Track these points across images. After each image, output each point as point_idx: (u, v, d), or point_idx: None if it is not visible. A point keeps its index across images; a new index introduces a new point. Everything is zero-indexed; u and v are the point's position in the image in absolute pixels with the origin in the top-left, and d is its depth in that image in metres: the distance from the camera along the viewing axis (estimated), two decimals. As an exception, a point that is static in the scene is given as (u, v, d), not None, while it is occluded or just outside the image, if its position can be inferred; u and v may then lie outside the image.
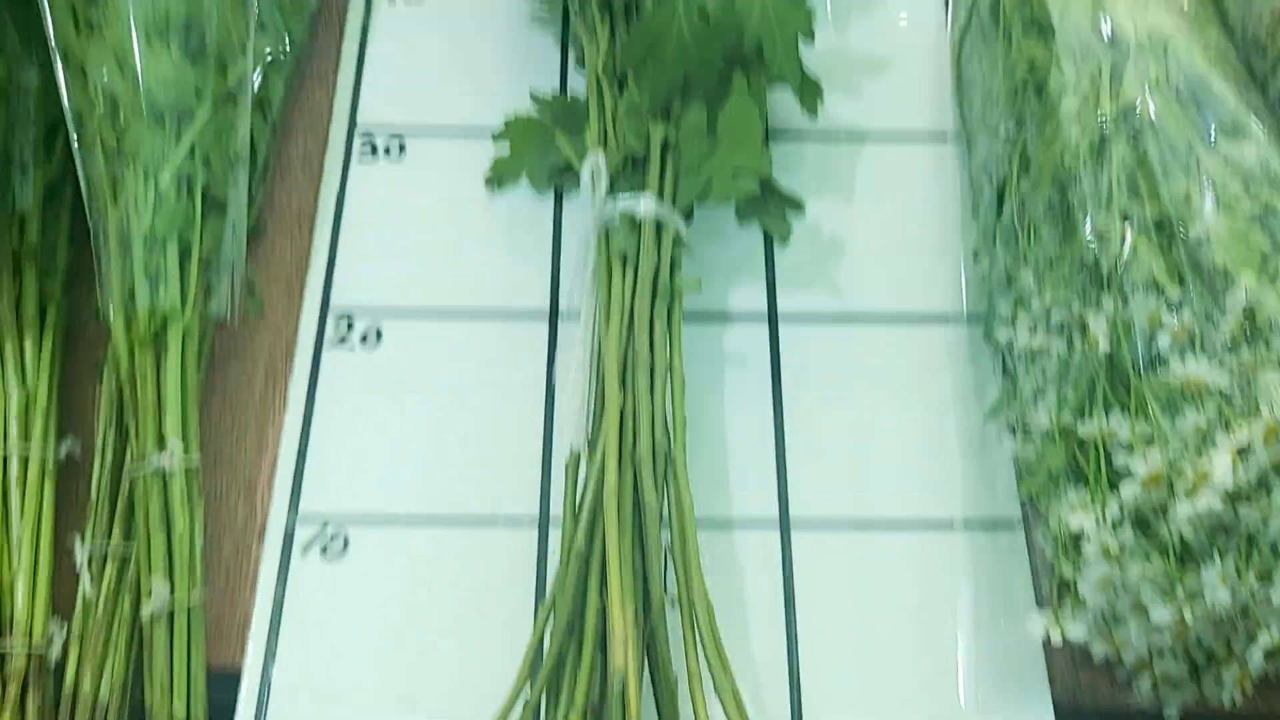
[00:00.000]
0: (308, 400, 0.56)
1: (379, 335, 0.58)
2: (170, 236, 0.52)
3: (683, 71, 0.55)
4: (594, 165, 0.56)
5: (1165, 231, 0.48)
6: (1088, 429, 0.45)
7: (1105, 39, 0.55)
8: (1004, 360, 0.54)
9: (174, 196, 0.53)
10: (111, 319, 0.51)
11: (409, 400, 0.56)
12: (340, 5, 0.70)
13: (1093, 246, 0.49)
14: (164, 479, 0.49)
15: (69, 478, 0.53)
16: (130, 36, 0.53)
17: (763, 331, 0.58)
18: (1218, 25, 0.59)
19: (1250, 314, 0.43)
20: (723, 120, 0.56)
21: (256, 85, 0.61)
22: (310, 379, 0.56)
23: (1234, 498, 0.41)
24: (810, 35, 0.57)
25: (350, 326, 0.58)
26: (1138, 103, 0.51)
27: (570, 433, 0.49)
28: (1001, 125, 0.58)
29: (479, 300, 0.59)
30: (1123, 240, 0.48)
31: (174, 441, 0.49)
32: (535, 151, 0.62)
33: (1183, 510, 0.41)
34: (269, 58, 0.63)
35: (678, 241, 0.55)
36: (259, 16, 0.62)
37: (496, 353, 0.57)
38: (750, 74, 0.57)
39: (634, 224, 0.54)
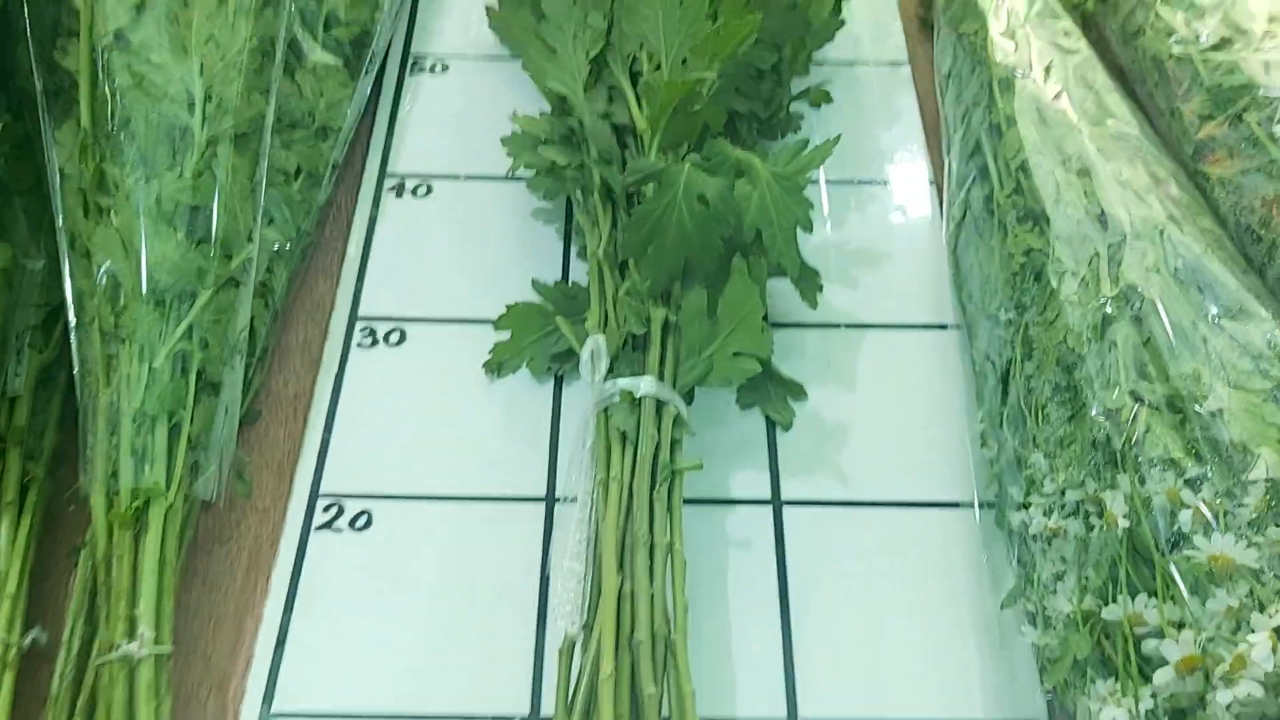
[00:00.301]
0: (290, 587, 0.53)
1: (369, 519, 0.56)
2: (160, 416, 0.51)
3: (683, 256, 0.56)
4: (594, 346, 0.55)
5: (1177, 409, 0.47)
6: (1113, 613, 0.43)
7: (1100, 226, 0.56)
8: (1018, 546, 0.52)
9: (167, 376, 0.52)
10: (92, 496, 0.49)
11: (397, 586, 0.54)
12: (349, 201, 0.71)
13: (1104, 425, 0.48)
14: (131, 668, 0.46)
15: (32, 670, 0.50)
16: (138, 221, 0.54)
17: (767, 516, 0.56)
18: (1209, 214, 0.60)
19: (1274, 489, 0.42)
20: (723, 304, 0.56)
21: (261, 273, 0.62)
22: (295, 564, 0.54)
23: (1277, 683, 0.38)
24: (808, 227, 0.58)
25: (340, 511, 0.56)
26: (1139, 285, 0.51)
27: (565, 618, 0.46)
28: (1001, 311, 0.58)
29: (474, 486, 0.58)
30: (1134, 418, 0.47)
31: (145, 628, 0.46)
32: (536, 338, 0.62)
33: (1222, 698, 0.38)
34: (275, 247, 0.64)
35: (678, 422, 0.54)
36: (268, 209, 0.63)
37: (490, 537, 0.55)
38: (750, 259, 0.57)
39: (634, 403, 0.53)
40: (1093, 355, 0.50)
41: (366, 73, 0.74)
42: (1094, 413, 0.48)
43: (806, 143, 0.62)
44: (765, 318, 0.57)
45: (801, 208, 0.58)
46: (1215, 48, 0.65)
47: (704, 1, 0.61)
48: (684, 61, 0.61)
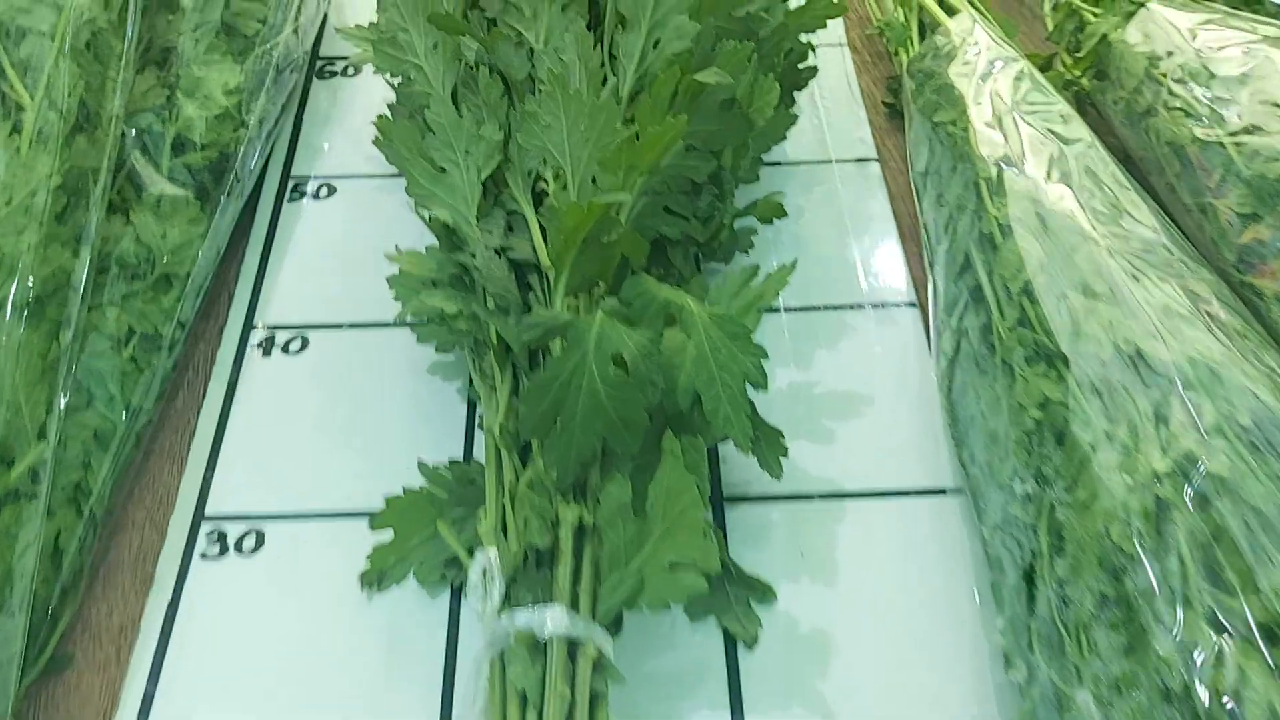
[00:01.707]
0: None
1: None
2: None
3: (597, 435, 0.43)
4: (485, 564, 0.42)
5: (1276, 639, 0.34)
6: None
7: (1134, 369, 0.43)
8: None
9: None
10: None
11: None
12: (206, 363, 0.58)
13: (1176, 668, 0.34)
14: None
15: None
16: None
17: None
18: (1268, 342, 0.47)
19: None
20: (654, 496, 0.42)
21: (72, 472, 0.48)
22: None
23: None
24: (762, 383, 0.45)
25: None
26: (1199, 455, 0.39)
27: None
28: (1016, 481, 0.45)
29: (341, 747, 0.44)
30: (1218, 658, 0.34)
31: None
32: (425, 538, 0.49)
33: None
34: (95, 435, 0.50)
35: (600, 666, 0.40)
36: (85, 387, 0.50)
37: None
38: (684, 438, 0.44)
39: (537, 647, 0.39)
40: (1148, 557, 0.37)
41: (230, 197, 0.62)
42: (1159, 647, 0.35)
43: (756, 269, 0.50)
44: (713, 501, 0.44)
45: (752, 357, 0.45)
46: (1249, 130, 0.53)
47: (616, 105, 0.48)
48: (594, 180, 0.49)
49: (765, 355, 0.45)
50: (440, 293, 0.51)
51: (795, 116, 0.59)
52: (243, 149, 0.63)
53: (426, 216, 0.53)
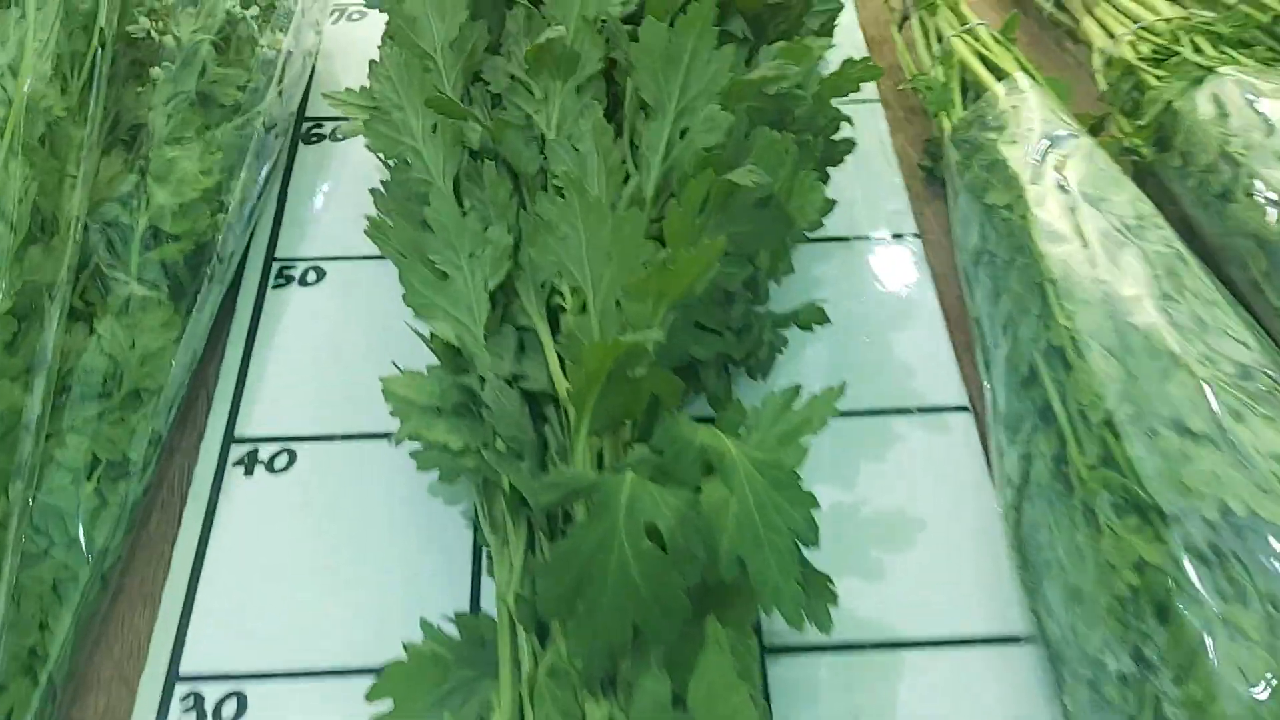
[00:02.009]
0: None
1: None
2: None
3: (629, 621, 0.37)
4: (501, 773, 0.36)
5: None
6: None
7: (1249, 537, 0.37)
8: None
9: None
10: None
11: None
12: (182, 481, 0.52)
13: None
14: None
15: None
16: None
17: None
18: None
19: None
20: (695, 696, 0.36)
21: (27, 638, 0.42)
22: None
23: None
24: (813, 539, 0.39)
25: None
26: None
27: None
28: (1109, 656, 0.39)
29: None
30: None
31: None
32: (431, 701, 0.43)
33: None
34: (53, 584, 0.45)
35: None
36: (42, 531, 0.45)
37: None
38: (730, 611, 0.38)
39: None
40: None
41: (208, 290, 0.56)
42: None
43: (798, 390, 0.44)
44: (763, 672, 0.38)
45: (802, 509, 0.39)
46: (1351, 228, 0.47)
47: (642, 218, 0.42)
48: (618, 304, 0.43)
49: (816, 504, 0.40)
50: (443, 423, 0.45)
51: (834, 202, 0.53)
52: (221, 235, 0.57)
53: (427, 334, 0.47)
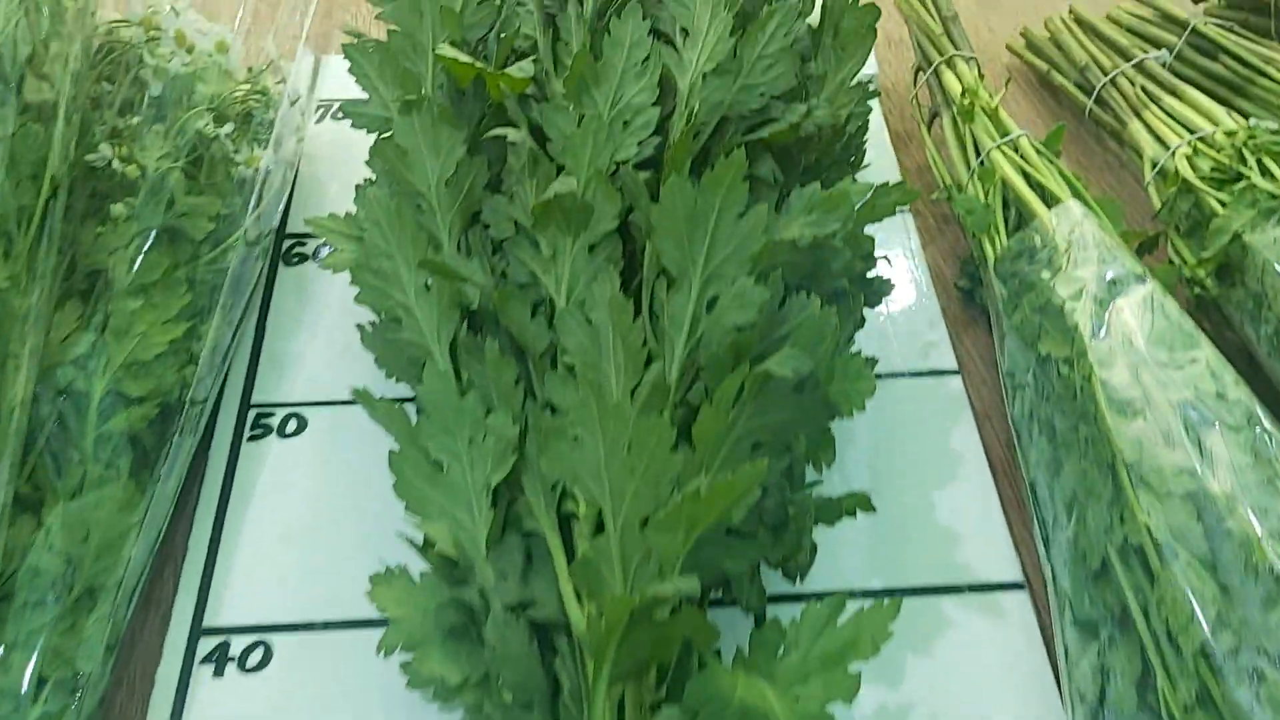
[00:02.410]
0: None
1: None
2: None
3: None
4: None
5: None
6: None
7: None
8: None
9: None
10: None
11: None
12: (144, 681, 0.46)
13: None
14: None
15: None
16: None
17: None
18: None
19: None
20: None
21: None
22: None
23: None
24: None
25: None
26: None
27: None
28: None
29: None
30: None
31: None
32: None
33: None
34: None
35: None
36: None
37: None
38: None
39: None
40: None
41: (175, 454, 0.50)
42: None
43: (843, 602, 0.39)
44: None
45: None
46: None
47: (669, 428, 0.37)
48: (643, 524, 0.37)
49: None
50: (438, 650, 0.39)
51: (875, 379, 0.46)
52: (195, 384, 0.51)
53: (418, 527, 0.41)
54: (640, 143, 0.47)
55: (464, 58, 0.49)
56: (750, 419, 0.40)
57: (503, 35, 0.55)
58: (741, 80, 0.49)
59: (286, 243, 0.64)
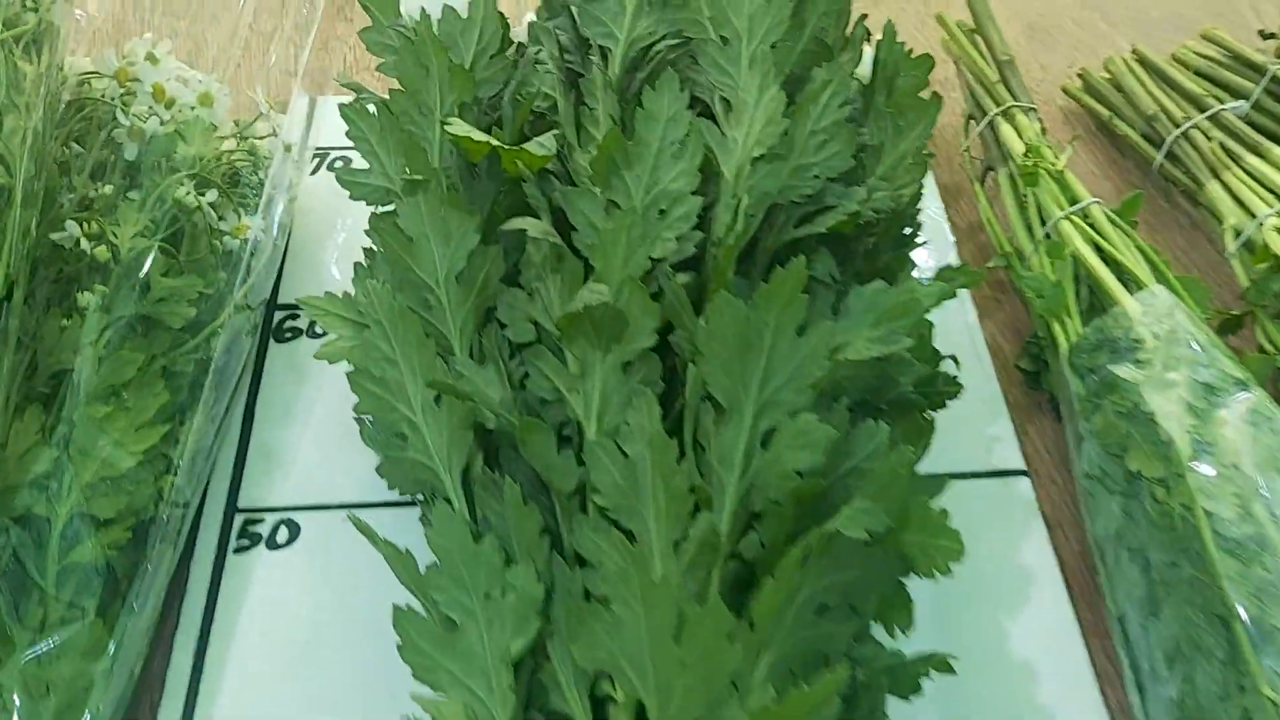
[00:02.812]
0: None
1: None
2: None
3: None
4: None
5: None
6: None
7: None
8: None
9: None
10: None
11: None
12: None
13: None
14: None
15: None
16: None
17: None
18: None
19: None
20: None
21: None
22: None
23: None
24: None
25: None
26: None
27: None
28: None
29: None
30: None
31: None
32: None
33: None
34: None
35: None
36: None
37: None
38: None
39: None
40: None
41: (150, 578, 0.44)
42: None
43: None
44: None
45: None
46: None
47: (727, 616, 0.31)
48: (694, 728, 0.31)
49: None
50: None
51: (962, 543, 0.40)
52: (167, 509, 0.45)
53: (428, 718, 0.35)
54: (679, 237, 0.41)
55: (477, 134, 0.43)
56: (815, 580, 0.34)
57: (519, 96, 0.49)
58: (794, 162, 0.43)
59: (278, 315, 0.58)
